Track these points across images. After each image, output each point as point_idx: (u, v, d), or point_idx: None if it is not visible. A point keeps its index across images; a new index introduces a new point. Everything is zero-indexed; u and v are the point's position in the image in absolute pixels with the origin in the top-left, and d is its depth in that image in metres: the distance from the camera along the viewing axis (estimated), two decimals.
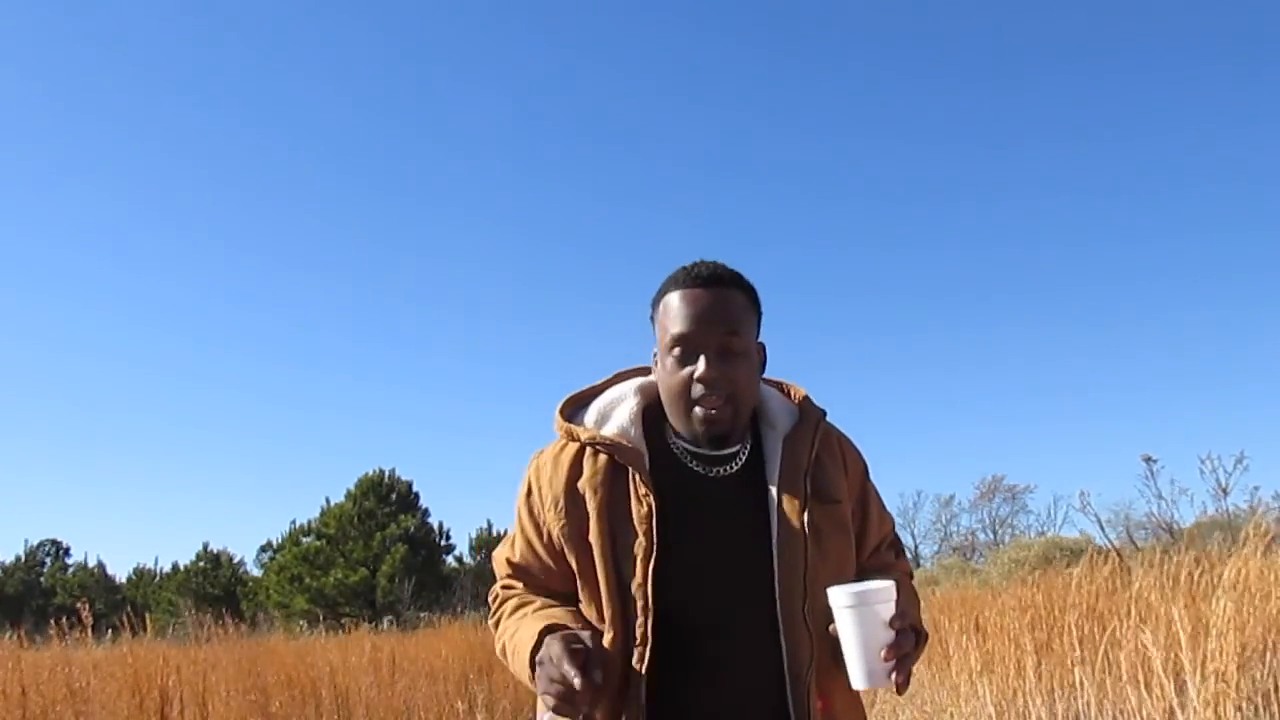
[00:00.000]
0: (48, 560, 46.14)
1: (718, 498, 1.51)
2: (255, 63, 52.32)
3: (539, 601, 1.52)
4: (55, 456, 56.98)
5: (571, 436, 1.57)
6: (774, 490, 1.50)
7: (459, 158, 53.90)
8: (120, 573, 45.16)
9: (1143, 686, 3.28)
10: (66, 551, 46.54)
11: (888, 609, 1.34)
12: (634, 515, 1.45)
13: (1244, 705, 3.27)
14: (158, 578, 42.30)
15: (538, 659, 1.33)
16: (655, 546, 1.42)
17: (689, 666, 1.43)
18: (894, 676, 1.32)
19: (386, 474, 36.29)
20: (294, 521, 36.50)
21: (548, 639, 1.32)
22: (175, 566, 42.02)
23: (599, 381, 1.68)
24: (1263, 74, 43.07)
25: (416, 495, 36.55)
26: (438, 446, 52.50)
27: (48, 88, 51.05)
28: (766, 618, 1.44)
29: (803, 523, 1.46)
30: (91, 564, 45.26)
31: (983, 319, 51.18)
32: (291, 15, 52.12)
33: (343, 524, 34.86)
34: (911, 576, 1.72)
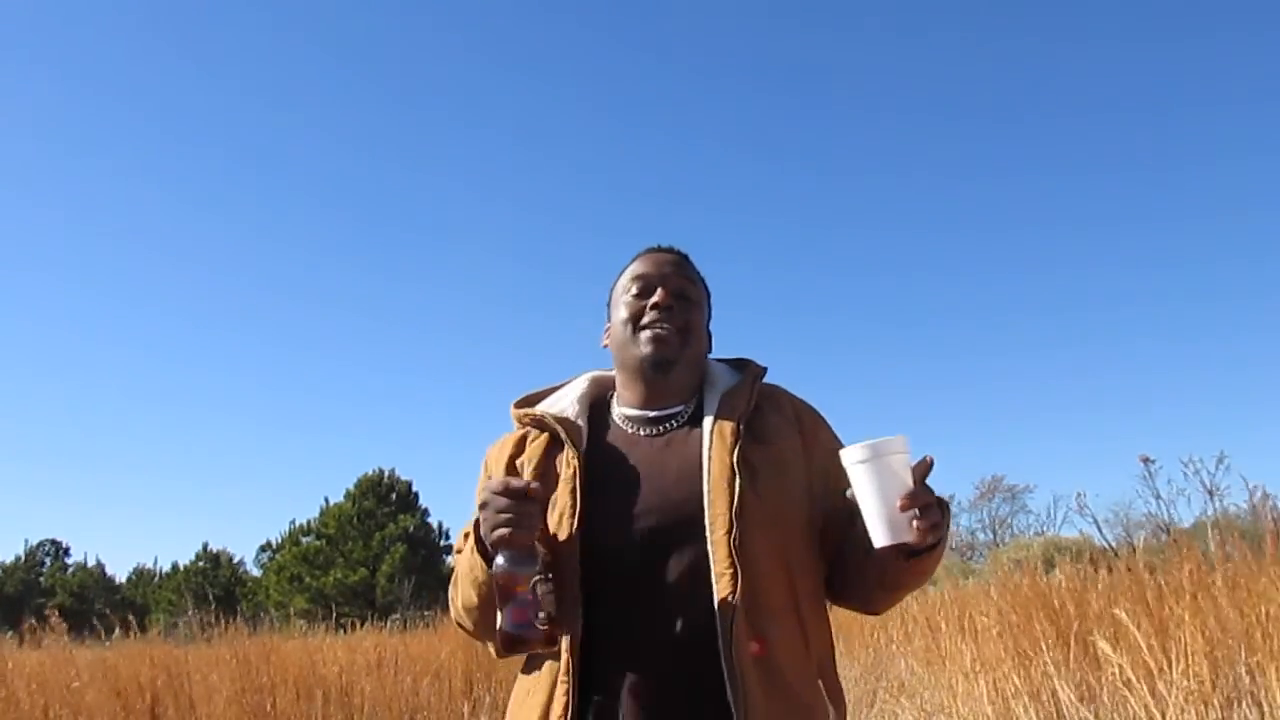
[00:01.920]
0: (48, 560, 46.13)
1: (654, 452, 1.54)
2: (267, 53, 52.36)
3: None
4: (55, 456, 57.05)
5: (518, 422, 1.65)
6: (706, 433, 1.51)
7: (460, 157, 53.92)
8: (120, 573, 45.21)
9: (1120, 684, 3.28)
10: (66, 551, 46.56)
11: (902, 460, 1.30)
12: (561, 481, 1.50)
13: (1220, 704, 3.28)
14: (157, 578, 42.31)
15: (478, 504, 1.37)
16: (579, 503, 1.46)
17: (626, 613, 1.42)
18: (916, 524, 1.27)
19: (386, 474, 36.30)
20: (293, 521, 36.57)
21: (481, 485, 1.40)
22: (175, 566, 42.05)
23: (557, 383, 1.75)
24: (1262, 72, 43.10)
25: (416, 495, 36.58)
26: (438, 446, 52.49)
27: (49, 82, 51.05)
28: (697, 556, 1.41)
29: (733, 461, 1.45)
30: (91, 564, 45.28)
31: (983, 318, 51.20)
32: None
33: (342, 524, 34.87)
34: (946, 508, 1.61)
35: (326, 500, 36.22)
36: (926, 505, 1.28)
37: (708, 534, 1.41)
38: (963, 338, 53.43)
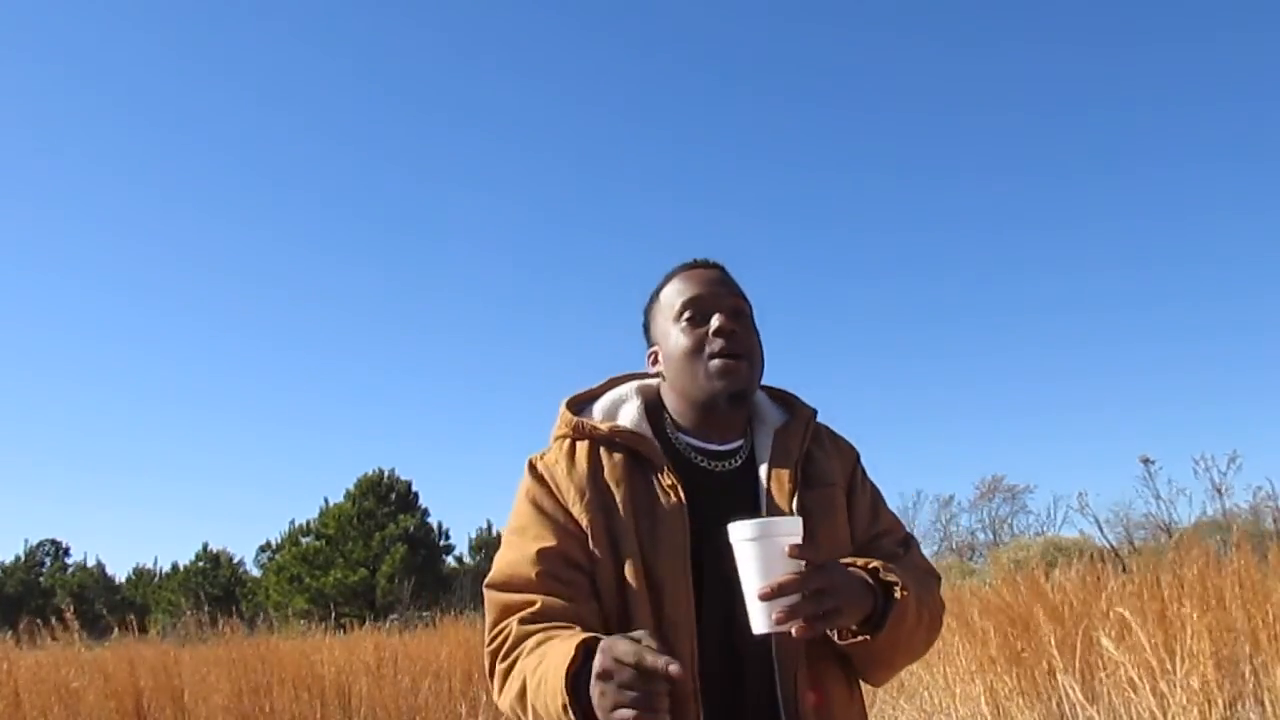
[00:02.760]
0: (47, 560, 46.13)
1: (720, 490, 1.44)
2: (261, 48, 52.36)
3: (576, 629, 1.31)
4: (55, 456, 57.05)
5: (580, 432, 1.49)
6: (763, 476, 1.45)
7: (460, 156, 53.92)
8: (120, 573, 45.22)
9: (1126, 687, 3.27)
10: (66, 551, 46.53)
11: (794, 542, 1.19)
12: (661, 507, 1.39)
13: (1228, 706, 3.27)
14: (157, 578, 42.31)
15: (597, 671, 1.10)
16: (690, 542, 1.36)
17: (707, 661, 1.35)
18: (775, 616, 1.15)
19: (386, 474, 36.31)
20: (293, 521, 36.57)
21: (603, 643, 1.12)
22: (175, 566, 42.05)
23: (594, 386, 1.62)
24: (1262, 71, 43.12)
25: (416, 495, 36.58)
26: (438, 446, 52.48)
27: (51, 79, 51.08)
28: None
29: (790, 507, 1.41)
30: (91, 564, 45.29)
31: (983, 318, 51.19)
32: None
33: (342, 524, 34.87)
34: (933, 575, 1.56)
35: (326, 500, 36.25)
36: (816, 593, 1.17)
37: None
38: (963, 337, 53.42)
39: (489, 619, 1.42)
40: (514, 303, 53.44)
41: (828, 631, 1.29)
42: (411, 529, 34.99)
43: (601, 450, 1.46)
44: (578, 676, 1.15)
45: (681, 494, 1.39)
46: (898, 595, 1.31)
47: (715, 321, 1.45)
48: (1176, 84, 45.91)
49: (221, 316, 53.87)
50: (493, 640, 1.38)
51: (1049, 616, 4.14)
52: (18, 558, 44.49)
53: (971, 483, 39.30)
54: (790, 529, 1.21)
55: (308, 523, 36.11)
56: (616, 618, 1.36)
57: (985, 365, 51.02)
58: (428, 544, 35.71)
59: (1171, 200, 46.26)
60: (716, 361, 1.44)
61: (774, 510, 1.41)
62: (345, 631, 10.76)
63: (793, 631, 1.16)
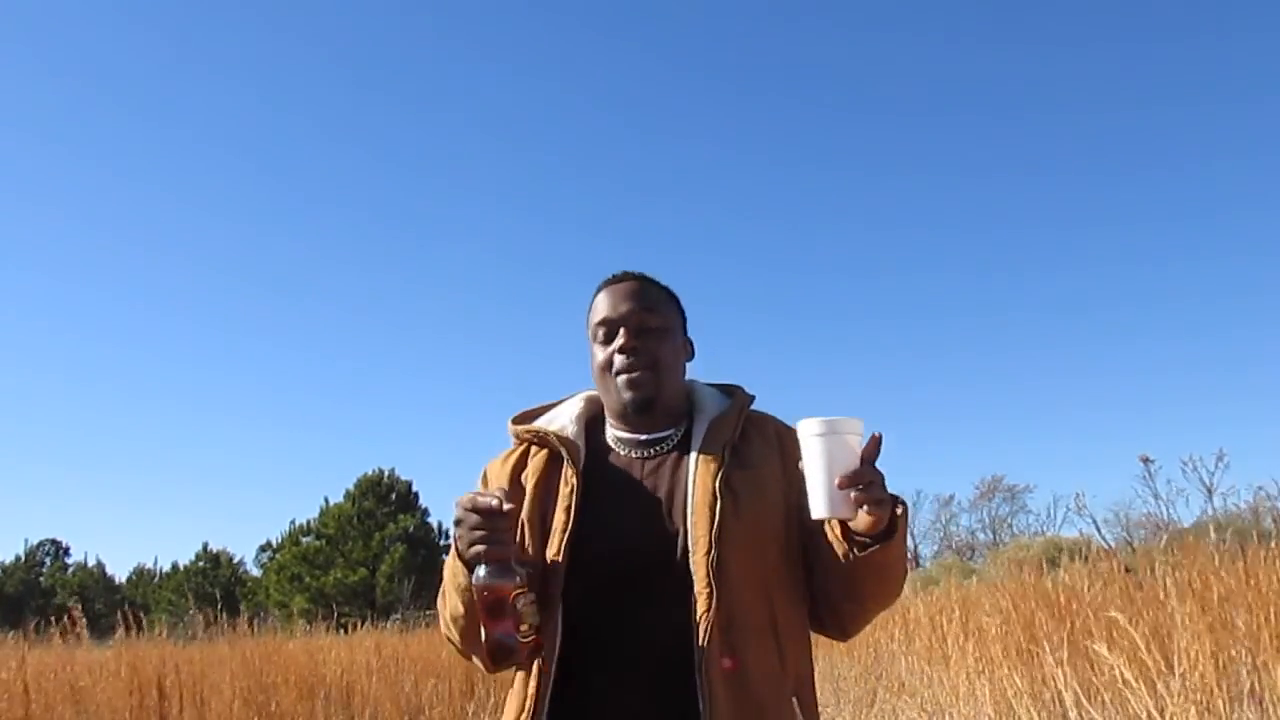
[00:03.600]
0: (48, 560, 46.13)
1: (645, 475, 1.60)
2: (262, 50, 52.36)
3: None
4: (55, 456, 57.05)
5: (517, 437, 1.70)
6: (692, 457, 1.58)
7: (460, 155, 53.94)
8: (120, 573, 45.21)
9: (1121, 685, 3.30)
10: (66, 551, 46.57)
11: (855, 440, 1.36)
12: (559, 495, 1.56)
13: (1226, 706, 3.29)
14: (157, 577, 42.33)
15: (453, 521, 1.41)
16: (572, 520, 1.52)
17: (607, 627, 1.48)
18: (854, 497, 1.33)
19: (386, 474, 36.32)
20: (293, 521, 36.58)
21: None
22: (175, 566, 42.09)
23: (554, 401, 1.79)
24: (1263, 62, 43.15)
25: (416, 495, 36.60)
26: (437, 446, 52.51)
27: (52, 65, 51.08)
28: (678, 576, 1.47)
29: (716, 485, 1.51)
30: (91, 564, 45.29)
31: (982, 318, 51.23)
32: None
33: (342, 524, 34.89)
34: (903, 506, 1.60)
35: (326, 500, 36.27)
36: (870, 483, 1.34)
37: (690, 555, 1.47)
38: (962, 338, 53.47)
39: None
40: (514, 303, 53.52)
41: (849, 545, 1.44)
42: (411, 529, 35.01)
43: (531, 451, 1.67)
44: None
45: (575, 482, 1.56)
46: (898, 510, 1.43)
47: (619, 340, 1.62)
48: (1173, 86, 45.98)
49: (221, 317, 53.93)
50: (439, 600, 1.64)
51: (1051, 616, 4.16)
52: (18, 558, 44.51)
53: (971, 483, 39.34)
54: (854, 428, 1.37)
55: (308, 522, 36.12)
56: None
57: (985, 366, 51.12)
58: (428, 544, 35.72)
59: (1170, 201, 46.32)
60: (622, 377, 1.61)
61: (699, 485, 1.53)
62: (347, 631, 10.77)
63: (860, 513, 1.36)
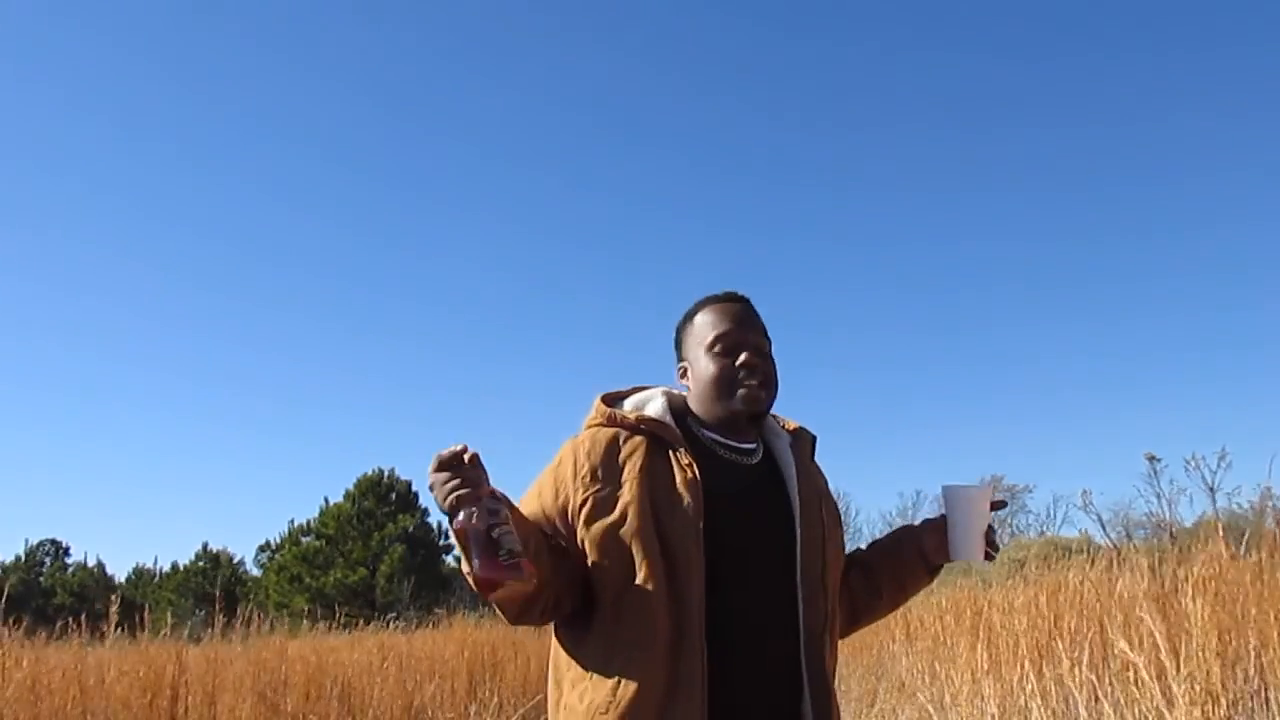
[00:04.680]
0: (47, 560, 46.10)
1: (745, 478, 1.71)
2: (259, 59, 52.34)
3: None
4: (55, 456, 56.98)
5: (611, 420, 1.72)
6: (792, 479, 1.73)
7: (460, 155, 53.93)
8: (120, 572, 45.17)
9: (1132, 686, 3.32)
10: (66, 551, 46.52)
11: (987, 502, 1.76)
12: (677, 482, 1.60)
13: (1231, 705, 3.32)
14: (157, 577, 42.29)
15: (430, 489, 1.44)
16: (703, 508, 1.57)
17: (732, 615, 1.57)
18: (987, 549, 1.75)
19: (385, 473, 36.29)
20: (293, 521, 36.56)
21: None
22: (175, 566, 42.04)
23: (624, 389, 1.85)
24: (1264, 69, 43.18)
25: (416, 495, 36.54)
26: (437, 447, 52.14)
27: (51, 84, 51.06)
28: (789, 579, 1.62)
29: (820, 506, 1.72)
30: (91, 564, 45.26)
31: (982, 318, 51.23)
32: (293, 8, 52.13)
33: (342, 524, 34.87)
34: None
35: (326, 500, 36.23)
36: (992, 541, 1.77)
37: (798, 565, 1.63)
38: (962, 339, 53.45)
39: None
40: (515, 302, 53.49)
41: (929, 570, 1.86)
42: (411, 529, 34.99)
43: (623, 436, 1.69)
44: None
45: (697, 471, 1.61)
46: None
47: (744, 356, 1.73)
48: (1173, 94, 45.97)
49: (220, 317, 53.86)
50: None
51: (1064, 614, 4.18)
52: (18, 557, 44.48)
53: (971, 482, 39.19)
54: (987, 493, 1.78)
55: (308, 522, 36.11)
56: (627, 581, 1.55)
57: (985, 366, 51.09)
58: (427, 544, 35.71)
59: (1169, 202, 46.35)
60: (743, 390, 1.72)
61: (806, 505, 1.71)
62: (349, 631, 10.79)
63: (980, 558, 1.76)
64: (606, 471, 1.62)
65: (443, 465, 1.43)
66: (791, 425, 1.86)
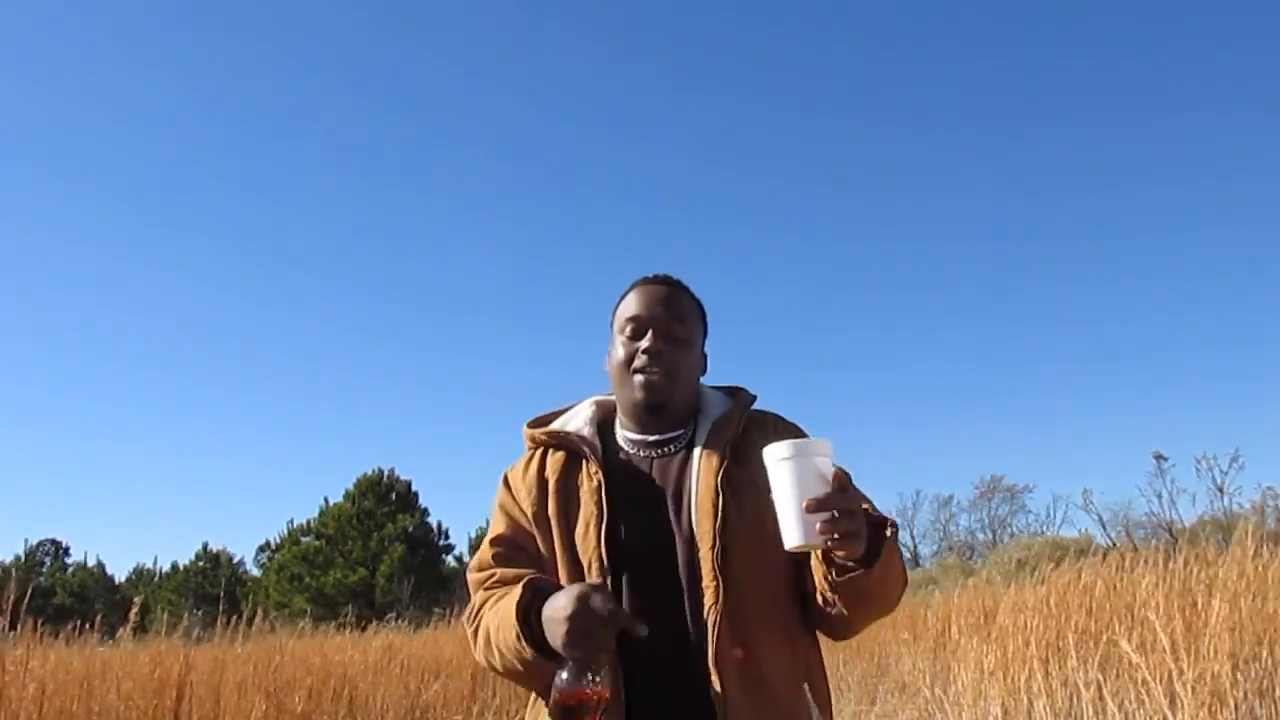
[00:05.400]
0: (48, 560, 46.08)
1: (655, 473, 1.66)
2: (259, 61, 52.34)
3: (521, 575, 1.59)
4: (55, 456, 56.98)
5: (534, 441, 1.76)
6: (696, 460, 1.63)
7: (459, 157, 53.93)
8: (120, 572, 45.16)
9: (1139, 686, 3.33)
10: (66, 551, 46.51)
11: (825, 463, 1.28)
12: (584, 492, 1.61)
13: (1239, 706, 3.32)
14: (157, 577, 42.27)
15: (553, 612, 1.34)
16: (604, 515, 1.57)
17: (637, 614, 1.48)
18: (819, 528, 1.27)
19: (385, 474, 36.26)
20: (293, 521, 36.54)
21: (578, 590, 1.33)
22: (175, 566, 42.02)
23: (568, 405, 1.85)
24: (1265, 71, 43.19)
25: (415, 495, 36.53)
26: (437, 446, 52.56)
27: (50, 85, 51.03)
28: (691, 569, 1.53)
29: (717, 481, 1.57)
30: (91, 564, 45.24)
31: (982, 318, 51.26)
32: (294, 9, 52.12)
33: (342, 524, 34.84)
34: (893, 528, 1.57)
35: (326, 500, 36.21)
36: (846, 512, 1.29)
37: (689, 544, 1.55)
38: (961, 340, 53.49)
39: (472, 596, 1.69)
40: (515, 302, 53.51)
41: (828, 568, 1.43)
42: (411, 529, 34.96)
43: (549, 453, 1.73)
44: (528, 610, 1.41)
45: (601, 477, 1.61)
46: (888, 533, 1.44)
47: (645, 341, 1.66)
48: (1175, 94, 46.00)
49: (221, 318, 53.89)
50: (468, 612, 1.65)
51: (1074, 614, 4.17)
52: (18, 557, 44.46)
53: (971, 482, 39.35)
54: (824, 449, 1.30)
55: (308, 522, 36.08)
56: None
57: (986, 365, 51.13)
58: (427, 544, 35.69)
59: (1169, 205, 46.36)
60: (639, 376, 1.66)
61: (702, 481, 1.58)
62: (362, 629, 10.77)
63: (826, 543, 1.30)
64: (539, 488, 1.67)
65: (603, 617, 1.30)
66: (738, 392, 1.77)
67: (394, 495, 36.16)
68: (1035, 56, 49.33)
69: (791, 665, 1.55)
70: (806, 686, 1.54)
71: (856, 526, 1.31)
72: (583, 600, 1.31)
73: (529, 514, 1.66)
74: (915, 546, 38.61)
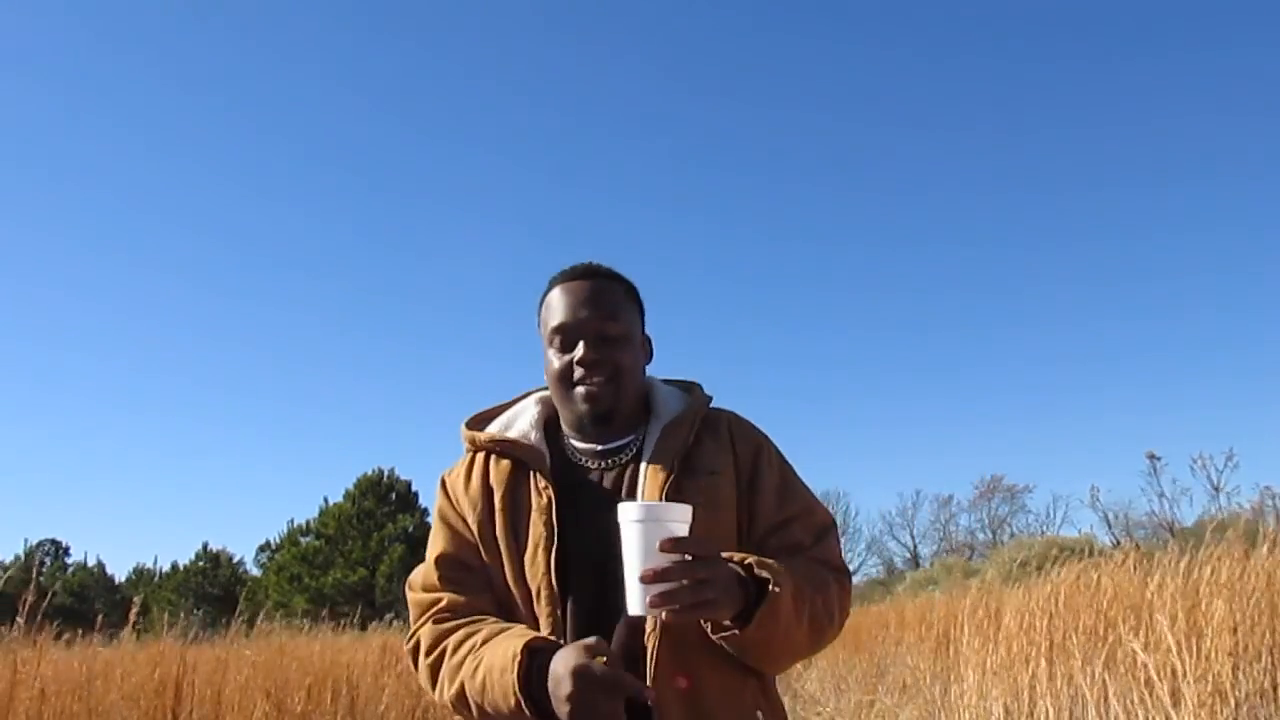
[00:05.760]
0: (47, 560, 46.07)
1: (602, 487, 1.53)
2: (258, 61, 52.34)
3: (488, 623, 1.46)
4: (55, 456, 56.97)
5: (475, 444, 1.63)
6: (642, 474, 1.51)
7: (459, 156, 53.92)
8: (120, 572, 45.16)
9: (1143, 685, 3.33)
10: (66, 551, 46.49)
11: (680, 529, 1.24)
12: (533, 508, 1.50)
13: (1240, 706, 3.33)
14: (157, 577, 42.27)
15: (554, 687, 1.26)
16: (555, 536, 1.46)
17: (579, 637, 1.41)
18: (657, 604, 1.22)
19: (385, 473, 36.30)
20: (293, 521, 36.58)
21: (578, 659, 1.25)
22: (175, 566, 42.02)
23: (504, 401, 1.72)
24: (1265, 72, 43.20)
25: (415, 495, 36.56)
26: (437, 446, 52.45)
27: (50, 87, 51.03)
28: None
29: (661, 495, 1.45)
30: (91, 564, 45.22)
31: (982, 318, 51.26)
32: (293, 9, 52.12)
33: (341, 524, 34.88)
34: (840, 572, 1.55)
35: (326, 500, 36.27)
36: (697, 581, 1.23)
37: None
38: (961, 341, 53.49)
39: (411, 616, 1.58)
40: (514, 301, 53.47)
41: (700, 622, 1.36)
42: (411, 529, 34.98)
43: (492, 460, 1.59)
44: (527, 677, 1.30)
45: (551, 493, 1.50)
46: (771, 591, 1.34)
47: (579, 351, 1.53)
48: (1174, 95, 45.99)
49: (221, 317, 53.88)
50: (411, 637, 1.54)
51: (1082, 613, 4.18)
52: (17, 557, 44.44)
53: (971, 482, 39.37)
54: (678, 515, 1.26)
55: (307, 522, 36.13)
56: (504, 610, 1.49)
57: (986, 365, 51.13)
58: (427, 544, 35.69)
59: (1167, 206, 46.35)
60: (580, 389, 1.53)
61: (649, 499, 1.45)
62: (348, 630, 10.78)
63: (663, 616, 1.24)
64: (483, 499, 1.55)
65: (607, 687, 1.22)
66: (693, 390, 1.66)
67: (394, 495, 36.19)
68: (1034, 56, 49.35)
69: (740, 690, 1.46)
70: (760, 715, 1.46)
71: (707, 596, 1.24)
72: (582, 676, 1.22)
73: (473, 528, 1.55)
74: (915, 546, 38.65)
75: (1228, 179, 48.22)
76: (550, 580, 1.43)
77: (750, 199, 55.52)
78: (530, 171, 55.87)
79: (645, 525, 1.23)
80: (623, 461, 1.55)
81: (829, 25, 52.05)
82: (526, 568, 1.47)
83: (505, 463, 1.58)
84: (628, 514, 1.26)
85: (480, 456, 1.61)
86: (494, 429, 1.63)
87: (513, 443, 1.58)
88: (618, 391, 1.54)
